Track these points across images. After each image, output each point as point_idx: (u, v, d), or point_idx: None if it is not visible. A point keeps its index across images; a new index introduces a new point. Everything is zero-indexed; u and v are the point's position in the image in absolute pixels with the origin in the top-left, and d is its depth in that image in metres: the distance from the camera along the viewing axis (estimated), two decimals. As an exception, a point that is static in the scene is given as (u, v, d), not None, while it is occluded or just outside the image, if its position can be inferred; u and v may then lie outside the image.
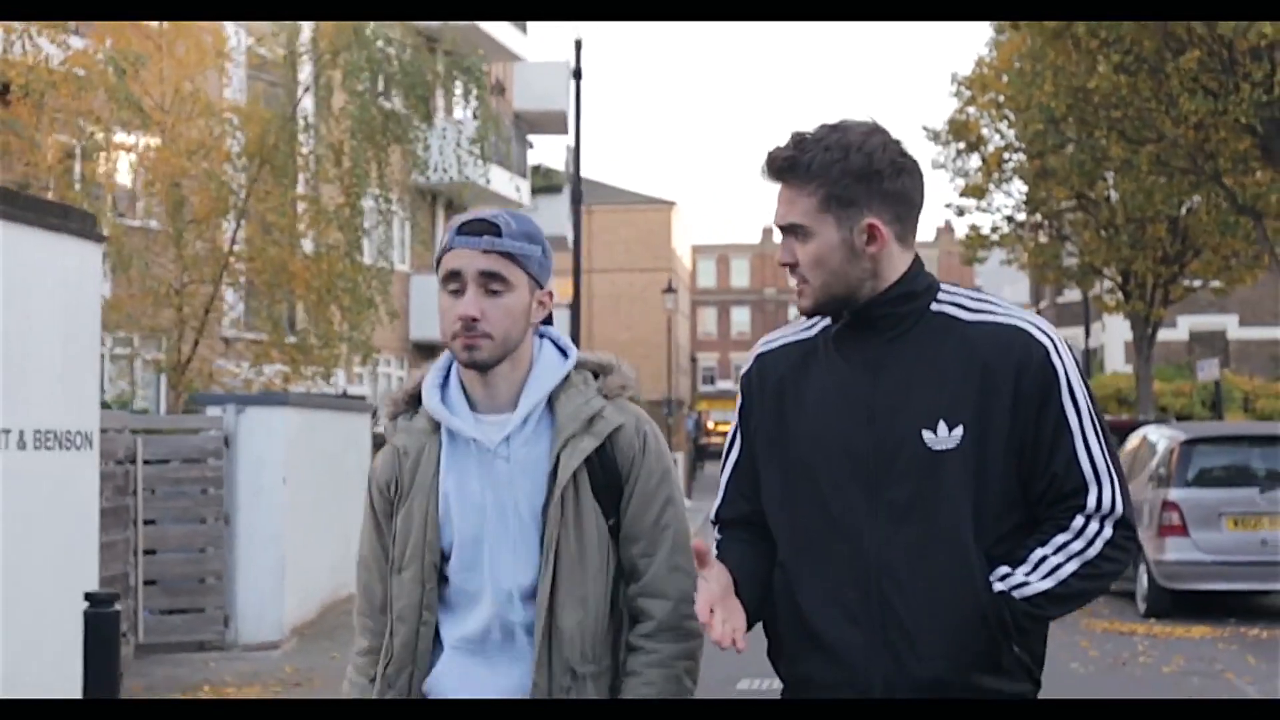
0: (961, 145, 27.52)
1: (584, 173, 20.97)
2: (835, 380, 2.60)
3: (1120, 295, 27.33)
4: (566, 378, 2.74)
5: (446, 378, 2.77)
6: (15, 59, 12.88)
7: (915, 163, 2.59)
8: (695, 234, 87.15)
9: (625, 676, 2.71)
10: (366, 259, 16.29)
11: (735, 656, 2.70)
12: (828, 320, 2.66)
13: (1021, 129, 23.37)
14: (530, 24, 35.45)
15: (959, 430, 2.51)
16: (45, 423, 8.24)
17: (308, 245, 15.66)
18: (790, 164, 2.56)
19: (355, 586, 2.86)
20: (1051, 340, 2.57)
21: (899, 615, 2.51)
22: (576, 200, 19.84)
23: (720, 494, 2.77)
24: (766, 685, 9.75)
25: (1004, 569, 2.52)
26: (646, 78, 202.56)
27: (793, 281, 2.62)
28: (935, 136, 28.04)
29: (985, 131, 26.79)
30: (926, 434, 2.52)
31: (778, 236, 2.65)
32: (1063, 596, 2.53)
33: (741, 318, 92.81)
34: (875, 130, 2.57)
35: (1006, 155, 26.70)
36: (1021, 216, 28.29)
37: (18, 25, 12.93)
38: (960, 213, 28.49)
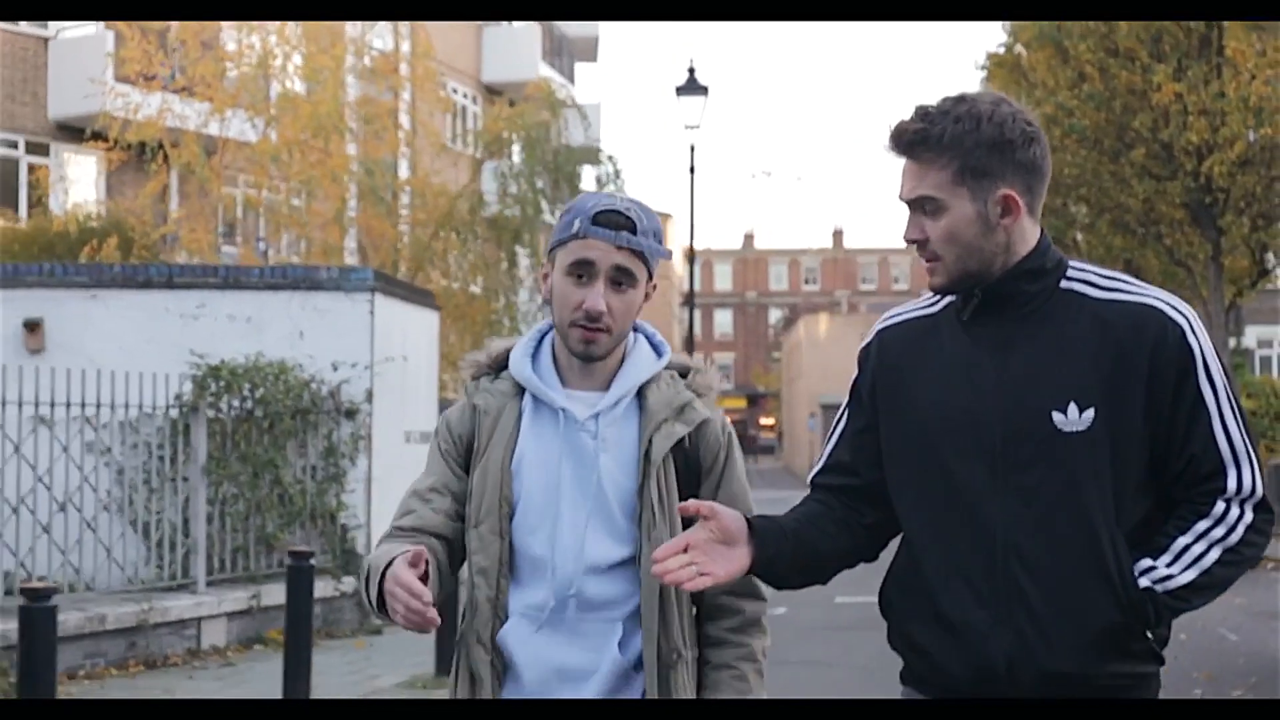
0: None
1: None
2: (961, 357, 2.52)
3: (1086, 317, 32.16)
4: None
5: (537, 348, 2.75)
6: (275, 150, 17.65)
7: (1041, 132, 2.50)
8: (681, 239, 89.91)
9: (715, 670, 2.69)
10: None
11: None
12: (951, 297, 2.57)
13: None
14: (576, 69, 40.02)
15: (1090, 413, 2.41)
16: (420, 426, 13.35)
17: (474, 289, 20.82)
18: (921, 136, 2.46)
19: (396, 514, 2.73)
20: (1187, 319, 2.44)
21: (1029, 600, 2.42)
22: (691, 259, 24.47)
23: (821, 459, 2.73)
24: (862, 600, 11.65)
25: (1146, 561, 2.42)
26: (638, 77, 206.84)
27: (922, 260, 2.53)
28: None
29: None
30: (1057, 416, 2.41)
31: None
32: (1205, 586, 2.43)
33: (724, 319, 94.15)
34: (1003, 100, 2.49)
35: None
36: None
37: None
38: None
